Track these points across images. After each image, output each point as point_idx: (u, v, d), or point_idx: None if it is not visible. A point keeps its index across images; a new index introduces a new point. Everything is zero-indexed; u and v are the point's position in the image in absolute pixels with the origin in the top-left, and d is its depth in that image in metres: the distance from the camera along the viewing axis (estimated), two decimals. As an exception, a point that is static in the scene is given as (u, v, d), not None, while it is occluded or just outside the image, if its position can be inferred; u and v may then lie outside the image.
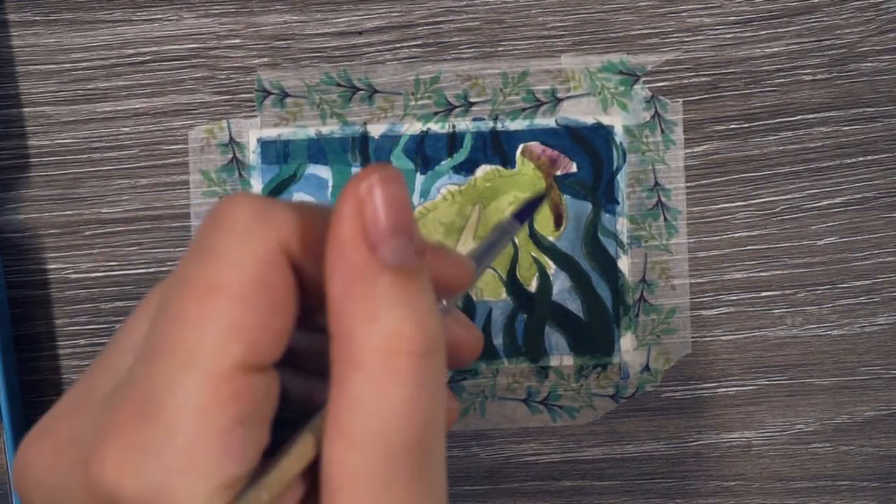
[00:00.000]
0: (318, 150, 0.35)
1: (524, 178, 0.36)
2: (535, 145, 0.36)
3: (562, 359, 0.36)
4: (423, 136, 0.35)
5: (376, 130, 0.35)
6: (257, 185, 0.35)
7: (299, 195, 0.36)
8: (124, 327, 0.19)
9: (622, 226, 0.36)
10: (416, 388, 0.17)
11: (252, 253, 0.17)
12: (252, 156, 0.35)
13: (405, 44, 0.35)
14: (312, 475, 0.18)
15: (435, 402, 0.17)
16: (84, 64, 0.35)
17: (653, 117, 0.36)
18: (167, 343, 0.16)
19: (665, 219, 0.36)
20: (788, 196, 0.36)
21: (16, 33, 0.35)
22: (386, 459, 0.17)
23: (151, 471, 0.16)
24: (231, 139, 0.35)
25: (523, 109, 0.36)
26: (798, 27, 0.35)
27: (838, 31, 0.35)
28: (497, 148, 0.35)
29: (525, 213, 0.28)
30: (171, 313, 0.17)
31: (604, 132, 0.35)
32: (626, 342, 0.36)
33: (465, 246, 0.36)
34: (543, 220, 0.36)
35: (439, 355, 0.18)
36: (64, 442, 0.17)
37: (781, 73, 0.36)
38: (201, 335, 0.16)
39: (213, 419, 0.16)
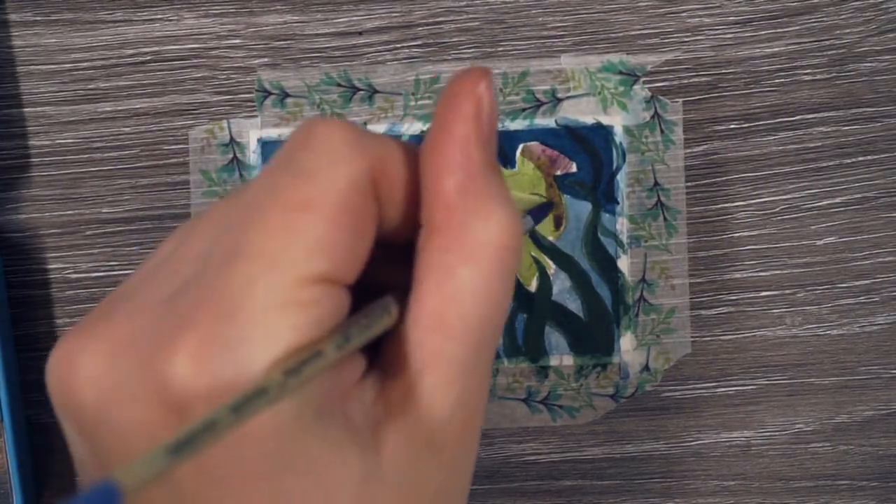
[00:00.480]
0: (319, 150, 0.35)
1: (524, 178, 0.36)
2: (535, 145, 0.36)
3: (562, 358, 0.36)
4: (424, 137, 0.35)
5: (376, 130, 0.36)
6: (258, 185, 0.36)
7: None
8: (169, 241, 0.19)
9: (622, 226, 0.36)
10: (510, 281, 0.19)
11: (345, 176, 0.17)
12: (252, 156, 0.36)
13: (405, 44, 0.35)
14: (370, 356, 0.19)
15: (511, 294, 0.19)
16: (85, 64, 0.35)
17: (652, 117, 0.36)
18: (251, 248, 0.17)
19: (665, 219, 0.36)
20: (788, 196, 0.36)
21: (16, 33, 0.35)
22: (477, 345, 0.18)
23: (226, 367, 0.16)
24: (231, 139, 0.36)
25: (523, 109, 0.36)
26: (798, 27, 0.35)
27: (838, 32, 0.35)
28: (497, 148, 0.36)
29: (539, 213, 0.32)
30: (257, 221, 0.17)
31: (603, 132, 0.36)
32: (626, 342, 0.36)
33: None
34: (543, 220, 0.36)
35: (522, 250, 0.19)
36: (124, 340, 0.17)
37: (781, 73, 0.36)
38: (289, 244, 0.17)
39: (290, 318, 0.16)
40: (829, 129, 0.36)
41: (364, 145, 0.18)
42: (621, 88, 0.35)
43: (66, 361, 0.17)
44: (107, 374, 0.17)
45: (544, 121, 0.36)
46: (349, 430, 0.18)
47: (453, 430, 0.18)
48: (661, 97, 0.36)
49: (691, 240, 0.36)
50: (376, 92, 0.36)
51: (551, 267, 0.36)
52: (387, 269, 0.20)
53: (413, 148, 0.19)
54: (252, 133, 0.35)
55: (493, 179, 0.19)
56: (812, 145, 0.36)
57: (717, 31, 0.35)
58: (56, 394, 0.18)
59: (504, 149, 0.36)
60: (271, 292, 0.16)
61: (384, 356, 0.19)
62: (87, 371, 0.17)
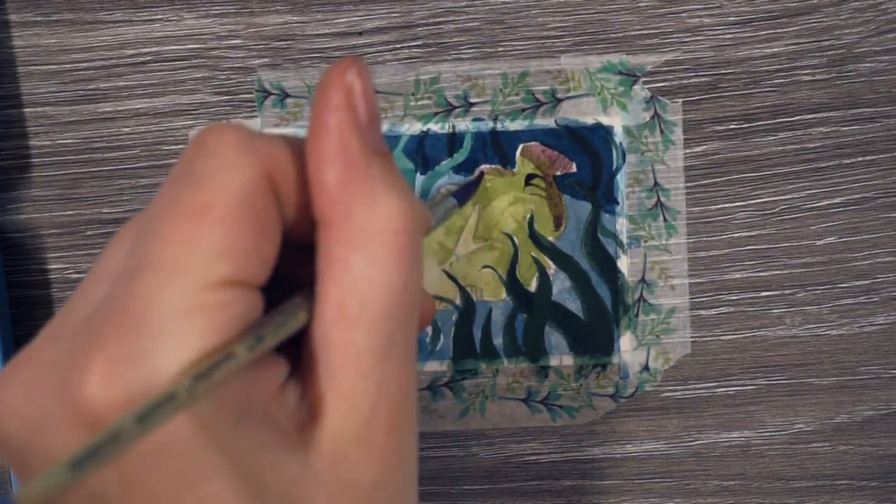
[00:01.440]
0: (319, 150, 0.35)
1: (524, 178, 0.36)
2: (535, 145, 0.36)
3: (561, 358, 0.36)
4: (423, 137, 0.36)
5: (376, 131, 0.36)
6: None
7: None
8: (98, 261, 0.19)
9: (622, 226, 0.36)
10: (412, 265, 0.18)
11: (240, 178, 0.17)
12: (252, 156, 0.36)
13: (405, 44, 0.35)
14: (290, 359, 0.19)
15: (420, 275, 0.19)
16: (85, 64, 0.35)
17: (652, 117, 0.36)
18: (152, 260, 0.17)
19: (664, 219, 0.36)
20: (788, 196, 0.36)
21: (17, 34, 0.35)
22: (386, 333, 0.18)
23: (136, 379, 0.16)
24: (231, 139, 0.36)
25: (523, 110, 0.36)
26: (797, 28, 0.35)
27: (837, 32, 0.35)
28: (497, 148, 0.36)
29: (462, 194, 0.31)
30: (157, 233, 0.17)
31: (603, 132, 0.36)
32: (626, 342, 0.36)
33: (465, 246, 0.36)
34: (543, 221, 0.36)
35: (423, 232, 0.19)
36: (41, 369, 0.17)
37: (781, 74, 0.36)
38: (189, 252, 0.17)
39: (196, 323, 0.16)
40: (828, 130, 0.36)
41: (255, 147, 0.18)
42: (621, 89, 0.36)
43: None
44: (27, 403, 0.17)
45: (544, 121, 0.36)
46: (274, 432, 0.17)
47: (379, 423, 0.18)
48: (660, 97, 0.36)
49: (691, 240, 0.36)
50: (376, 92, 0.36)
51: (551, 267, 0.36)
52: (303, 267, 0.20)
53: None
54: (252, 133, 0.35)
55: (377, 165, 0.18)
56: (811, 146, 0.36)
57: (717, 32, 0.35)
58: None
59: (504, 149, 0.36)
60: (175, 300, 0.16)
61: (303, 356, 0.19)
62: (9, 402, 0.17)
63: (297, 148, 0.19)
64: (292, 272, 0.19)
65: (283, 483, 0.17)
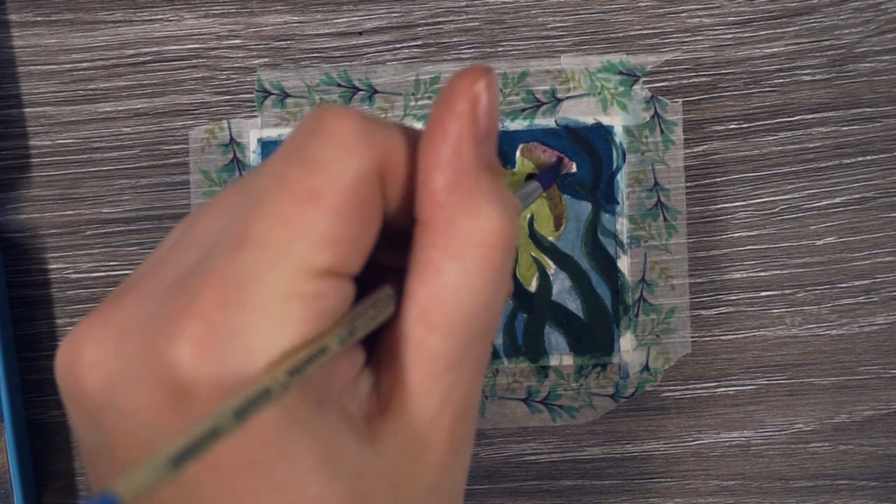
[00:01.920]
0: (319, 150, 0.35)
1: (524, 178, 0.36)
2: (535, 145, 0.36)
3: (561, 358, 0.36)
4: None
5: (376, 130, 0.36)
6: (258, 185, 0.36)
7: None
8: (190, 224, 0.19)
9: (622, 226, 0.36)
10: (501, 280, 0.19)
11: (356, 168, 0.17)
12: (252, 156, 0.36)
13: (405, 44, 0.35)
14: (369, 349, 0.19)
15: (505, 293, 0.19)
16: (85, 64, 0.35)
17: (652, 117, 0.36)
18: (258, 236, 0.17)
19: (665, 219, 0.36)
20: (788, 196, 0.36)
21: (17, 34, 0.35)
22: (464, 342, 0.18)
23: (231, 355, 0.16)
24: (232, 139, 0.36)
25: (523, 110, 0.36)
26: (797, 27, 0.35)
27: (837, 32, 0.35)
28: (497, 148, 0.36)
29: (546, 178, 0.31)
30: (263, 210, 0.17)
31: (603, 132, 0.36)
32: (626, 342, 0.36)
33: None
34: (543, 220, 0.36)
35: (515, 242, 0.19)
36: (129, 326, 0.17)
37: (781, 74, 0.36)
38: (296, 235, 0.16)
39: (296, 310, 0.16)
40: (828, 130, 0.36)
41: (374, 136, 0.18)
42: (621, 89, 0.36)
43: (72, 349, 0.17)
44: (110, 360, 0.17)
45: (544, 121, 0.36)
46: (347, 421, 0.18)
47: (443, 427, 0.18)
48: (660, 97, 0.36)
49: (691, 240, 0.36)
50: (376, 92, 0.36)
51: (551, 267, 0.36)
52: (389, 252, 0.20)
53: (420, 136, 0.19)
54: (252, 133, 0.36)
55: (486, 178, 0.18)
56: (811, 145, 0.36)
57: (717, 32, 0.35)
58: (62, 381, 0.18)
59: (504, 149, 0.36)
60: (278, 282, 0.16)
61: (378, 348, 0.19)
62: (91, 357, 0.17)
63: (412, 141, 0.19)
64: (377, 256, 0.19)
65: (349, 473, 0.17)
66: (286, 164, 0.17)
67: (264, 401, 0.15)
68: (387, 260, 0.20)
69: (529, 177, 0.34)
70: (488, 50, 0.35)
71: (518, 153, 0.36)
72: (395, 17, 0.35)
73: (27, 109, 0.35)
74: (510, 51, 0.36)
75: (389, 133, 0.18)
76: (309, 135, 0.18)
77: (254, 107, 0.35)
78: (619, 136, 0.36)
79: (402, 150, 0.18)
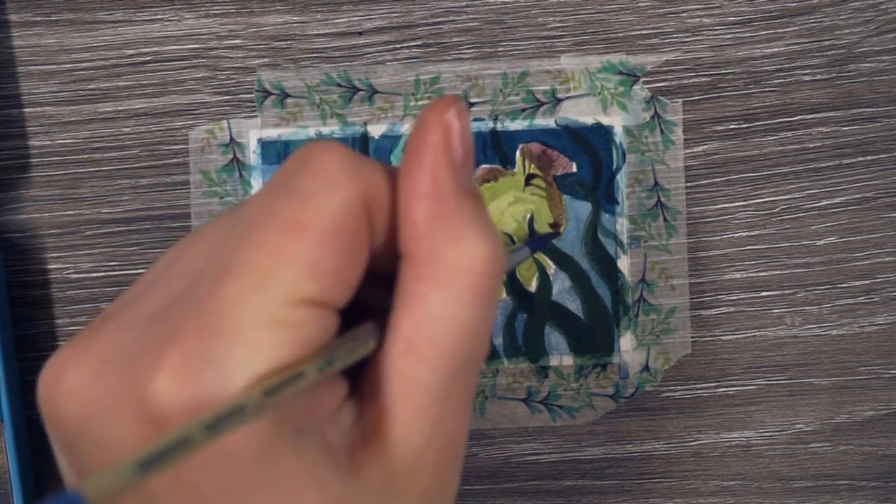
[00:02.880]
0: (319, 150, 0.35)
1: (524, 178, 0.36)
2: (535, 145, 0.36)
3: (561, 358, 0.36)
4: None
5: (376, 131, 0.36)
6: (258, 185, 0.36)
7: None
8: (175, 256, 0.19)
9: (622, 226, 0.36)
10: (487, 308, 0.18)
11: (340, 200, 0.17)
12: (252, 156, 0.36)
13: (405, 44, 0.35)
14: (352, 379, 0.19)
15: (493, 321, 0.19)
16: (85, 64, 0.35)
17: (652, 117, 0.36)
18: (243, 265, 0.17)
19: (665, 219, 0.36)
20: (788, 196, 0.36)
21: (17, 34, 0.35)
22: (451, 373, 0.18)
23: (207, 382, 0.16)
24: (231, 139, 0.36)
25: (523, 110, 0.36)
26: (798, 27, 0.35)
27: (837, 32, 0.35)
28: (497, 148, 0.36)
29: (536, 244, 0.32)
30: (248, 239, 0.17)
31: (603, 132, 0.36)
32: (626, 342, 0.36)
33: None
34: (543, 221, 0.36)
35: (502, 277, 0.19)
36: (109, 355, 0.17)
37: (781, 74, 0.36)
38: (281, 263, 0.17)
39: (275, 336, 0.16)
40: (828, 130, 0.36)
41: (359, 170, 0.18)
42: (621, 89, 0.36)
43: (53, 374, 0.17)
44: (89, 388, 0.17)
45: (544, 121, 0.36)
46: (327, 452, 0.17)
47: (429, 460, 0.18)
48: (660, 97, 0.36)
49: (691, 240, 0.36)
50: (376, 92, 0.36)
51: (551, 267, 0.36)
52: (377, 293, 0.20)
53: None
54: (252, 133, 0.36)
55: (467, 205, 0.18)
56: (812, 145, 0.36)
57: (717, 32, 0.35)
58: (42, 406, 0.18)
59: (504, 149, 0.36)
60: (258, 309, 0.16)
61: (363, 381, 0.19)
62: (71, 384, 0.17)
63: (394, 178, 0.19)
64: (365, 297, 0.19)
65: (329, 501, 0.17)
66: (274, 197, 0.18)
67: (238, 418, 0.15)
68: (374, 301, 0.20)
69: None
70: (488, 50, 0.35)
71: (518, 153, 0.36)
72: (395, 17, 0.35)
73: (27, 109, 0.35)
74: (510, 51, 0.36)
75: (373, 168, 0.18)
76: (296, 169, 0.18)
77: (254, 107, 0.36)
78: (619, 136, 0.36)
79: (385, 184, 0.18)
